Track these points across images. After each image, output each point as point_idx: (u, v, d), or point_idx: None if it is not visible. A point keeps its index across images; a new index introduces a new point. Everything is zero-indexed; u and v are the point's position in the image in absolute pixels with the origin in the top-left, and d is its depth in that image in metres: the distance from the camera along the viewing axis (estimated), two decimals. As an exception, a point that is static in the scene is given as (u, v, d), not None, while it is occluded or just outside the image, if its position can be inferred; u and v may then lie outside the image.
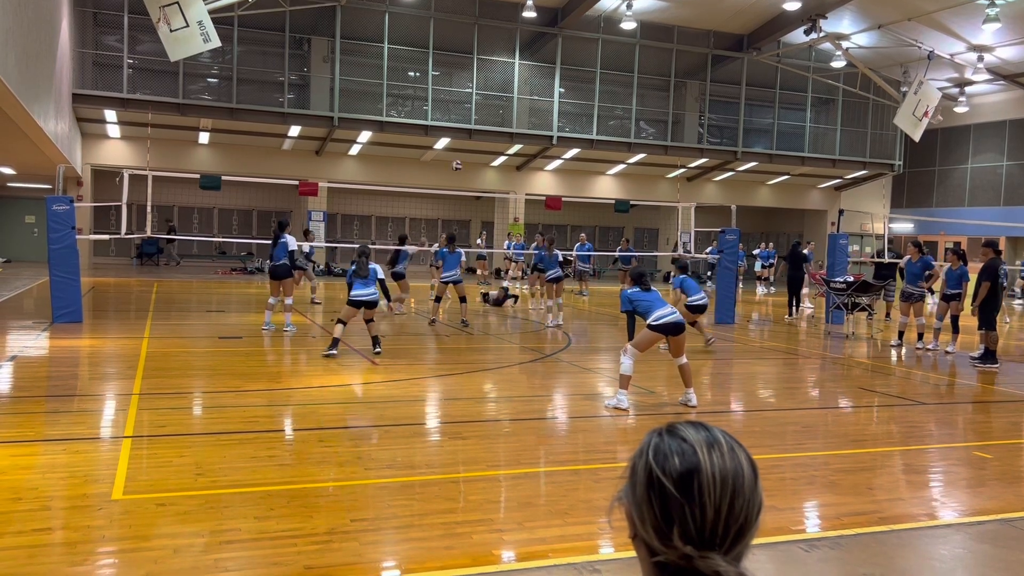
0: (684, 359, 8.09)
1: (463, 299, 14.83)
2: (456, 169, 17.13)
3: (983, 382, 10.71)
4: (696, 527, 1.15)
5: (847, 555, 4.44)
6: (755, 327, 16.95)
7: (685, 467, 1.18)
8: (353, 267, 10.67)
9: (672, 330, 7.92)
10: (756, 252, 27.36)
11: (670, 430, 1.24)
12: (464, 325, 14.30)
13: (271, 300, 12.71)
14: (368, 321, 10.80)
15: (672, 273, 13.23)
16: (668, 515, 1.17)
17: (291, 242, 12.53)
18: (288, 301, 12.66)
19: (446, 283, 14.74)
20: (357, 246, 11.12)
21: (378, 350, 10.61)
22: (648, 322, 7.89)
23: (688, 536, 1.15)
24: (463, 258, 15.06)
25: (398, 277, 16.09)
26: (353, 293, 10.58)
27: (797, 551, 4.39)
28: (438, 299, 14.89)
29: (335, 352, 10.28)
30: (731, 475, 1.18)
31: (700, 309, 12.16)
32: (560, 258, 15.96)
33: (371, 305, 10.64)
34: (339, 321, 10.57)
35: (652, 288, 8.16)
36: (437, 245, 15.30)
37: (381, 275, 10.85)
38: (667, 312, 7.90)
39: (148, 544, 4.16)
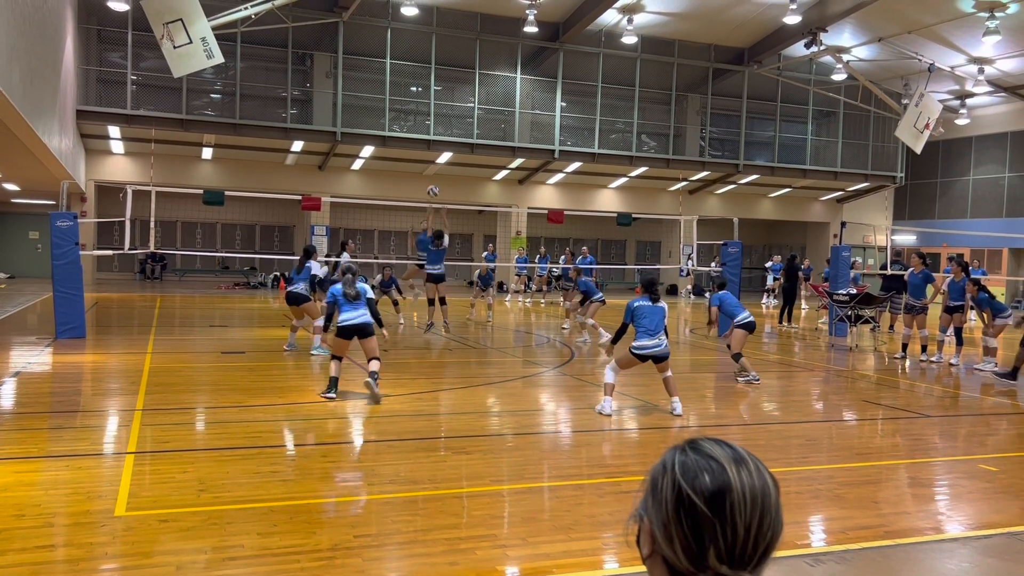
0: (669, 372, 8.37)
1: (443, 300, 14.21)
2: (432, 195, 16.23)
3: (988, 394, 10.68)
4: (727, 546, 1.13)
5: (853, 570, 4.41)
6: (758, 339, 16.90)
7: (716, 485, 1.14)
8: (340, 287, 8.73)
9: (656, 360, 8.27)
10: (768, 264, 27.33)
11: (693, 446, 1.21)
12: (445, 329, 14.04)
13: (295, 323, 12.26)
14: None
15: (710, 291, 12.52)
16: (699, 535, 1.13)
17: (315, 267, 12.12)
18: (317, 323, 11.95)
19: (431, 279, 14.00)
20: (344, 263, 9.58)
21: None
22: (631, 347, 8.25)
23: (719, 556, 1.13)
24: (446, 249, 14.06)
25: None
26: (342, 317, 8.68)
27: (803, 566, 4.36)
28: (431, 301, 14.35)
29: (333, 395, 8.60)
30: (760, 493, 1.15)
31: (749, 327, 10.76)
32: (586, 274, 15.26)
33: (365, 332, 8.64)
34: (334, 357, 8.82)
35: (660, 303, 8.36)
36: (417, 231, 14.67)
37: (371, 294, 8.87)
38: (652, 344, 8.16)
39: (151, 561, 4.15)
